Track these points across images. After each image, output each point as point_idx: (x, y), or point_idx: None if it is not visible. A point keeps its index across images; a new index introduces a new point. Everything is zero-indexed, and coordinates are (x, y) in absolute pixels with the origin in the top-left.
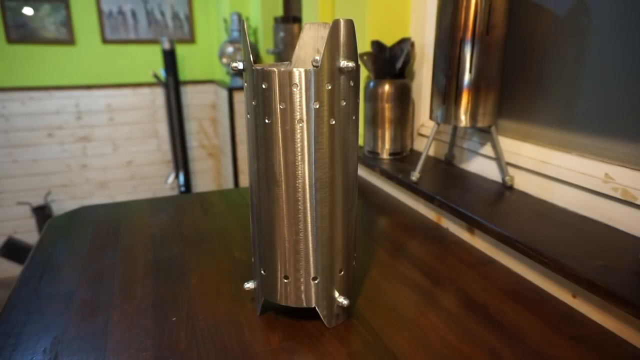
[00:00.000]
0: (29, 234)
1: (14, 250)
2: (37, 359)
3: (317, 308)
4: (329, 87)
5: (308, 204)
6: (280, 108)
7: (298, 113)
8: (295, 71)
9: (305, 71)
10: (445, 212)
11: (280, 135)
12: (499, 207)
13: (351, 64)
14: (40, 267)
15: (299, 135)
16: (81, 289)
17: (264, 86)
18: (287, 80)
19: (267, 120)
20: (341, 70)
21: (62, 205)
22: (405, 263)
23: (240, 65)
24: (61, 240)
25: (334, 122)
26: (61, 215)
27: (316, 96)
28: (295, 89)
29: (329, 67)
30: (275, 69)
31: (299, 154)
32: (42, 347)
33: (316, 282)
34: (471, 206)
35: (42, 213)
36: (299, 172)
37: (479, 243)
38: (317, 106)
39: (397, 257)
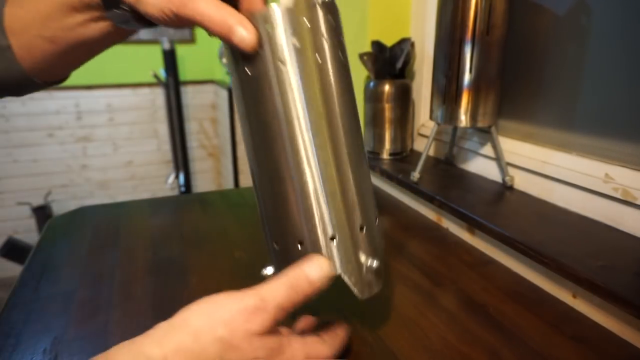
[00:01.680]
0: (29, 234)
1: (14, 250)
2: (37, 359)
3: (342, 275)
4: (308, 24)
5: (309, 151)
6: (259, 53)
7: (279, 54)
8: (270, 9)
9: (281, 8)
10: (445, 212)
11: (264, 81)
12: (499, 207)
13: None
14: (40, 267)
15: (284, 77)
16: (81, 289)
17: None
18: (262, 20)
19: (249, 72)
20: (317, 4)
21: (62, 205)
22: (405, 263)
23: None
24: (61, 240)
25: (320, 60)
26: (61, 215)
27: (295, 34)
28: (271, 30)
29: (305, 2)
30: (248, 13)
31: (289, 96)
32: (42, 348)
33: (334, 242)
34: (471, 206)
35: (42, 213)
36: (293, 116)
37: (479, 243)
38: (298, 45)
39: (397, 257)
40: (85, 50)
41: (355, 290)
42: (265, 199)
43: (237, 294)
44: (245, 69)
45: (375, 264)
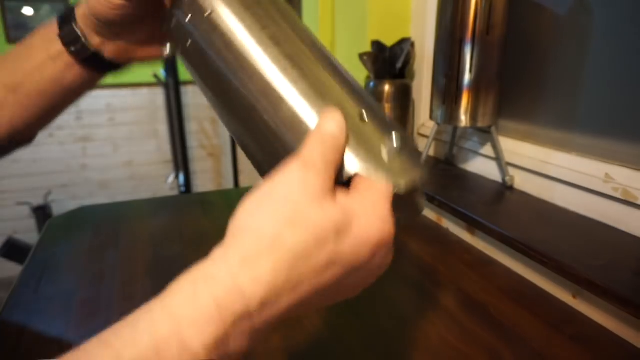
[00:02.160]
0: (29, 234)
1: (14, 250)
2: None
3: (364, 173)
4: None
5: (262, 55)
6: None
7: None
8: None
9: None
10: (445, 212)
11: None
12: (499, 207)
13: None
14: (40, 267)
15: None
16: (81, 289)
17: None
18: None
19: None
20: None
21: (62, 205)
22: (405, 263)
23: None
24: (61, 240)
25: None
26: (61, 215)
27: None
28: None
29: None
30: None
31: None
32: (42, 348)
33: None
34: (471, 206)
35: (42, 213)
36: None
37: (479, 243)
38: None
39: (397, 257)
40: (58, 101)
41: (391, 184)
42: (250, 142)
43: (274, 176)
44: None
45: (395, 140)
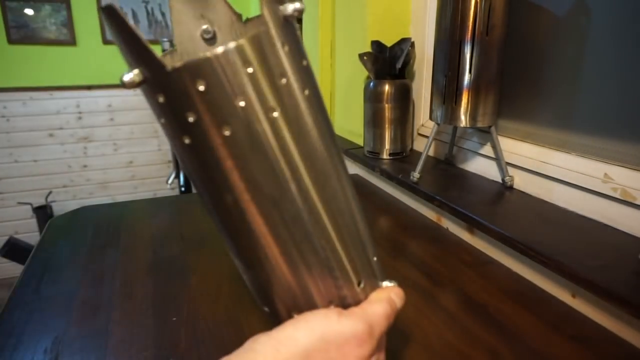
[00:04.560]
0: (30, 234)
1: (15, 250)
2: (38, 358)
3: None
4: (286, 49)
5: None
6: (240, 106)
7: (270, 101)
8: (244, 45)
9: (253, 39)
10: (445, 212)
11: (252, 143)
12: (499, 207)
13: (298, 4)
14: (41, 267)
15: (277, 127)
16: (82, 288)
17: (200, 89)
18: (238, 63)
19: (226, 133)
20: (289, 18)
21: (63, 205)
22: (405, 263)
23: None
24: (62, 240)
25: (307, 92)
26: (62, 215)
27: (277, 67)
28: (251, 70)
29: (274, 20)
30: (207, 55)
31: (284, 156)
32: (42, 347)
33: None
34: (471, 206)
35: (43, 213)
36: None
37: (479, 243)
38: (284, 81)
39: (397, 257)
40: None
41: None
42: (268, 276)
43: (348, 315)
44: (224, 131)
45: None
